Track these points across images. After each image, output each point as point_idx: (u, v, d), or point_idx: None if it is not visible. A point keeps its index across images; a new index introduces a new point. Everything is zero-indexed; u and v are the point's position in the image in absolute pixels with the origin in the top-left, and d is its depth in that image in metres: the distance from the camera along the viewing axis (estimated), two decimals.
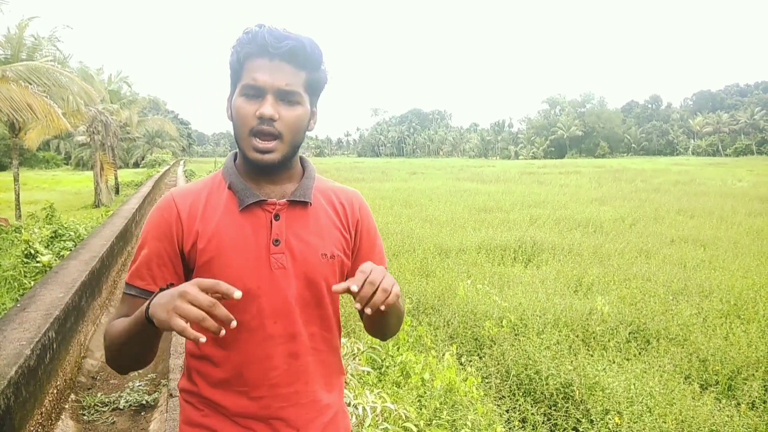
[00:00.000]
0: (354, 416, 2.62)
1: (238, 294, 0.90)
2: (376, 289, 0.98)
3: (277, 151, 1.11)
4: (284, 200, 1.16)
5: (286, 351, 1.15)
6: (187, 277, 1.16)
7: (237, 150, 1.22)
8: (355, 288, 0.97)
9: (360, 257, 1.27)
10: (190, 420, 1.19)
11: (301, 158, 1.25)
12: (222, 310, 0.89)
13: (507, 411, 3.77)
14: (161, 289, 0.99)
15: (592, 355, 4.52)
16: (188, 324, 0.89)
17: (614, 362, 4.38)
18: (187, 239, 1.13)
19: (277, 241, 1.14)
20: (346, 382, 3.12)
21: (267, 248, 1.13)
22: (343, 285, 0.99)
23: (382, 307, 0.98)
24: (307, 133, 1.19)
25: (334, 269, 1.20)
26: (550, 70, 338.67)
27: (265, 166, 1.12)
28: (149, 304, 0.97)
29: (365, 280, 0.98)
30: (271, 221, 1.14)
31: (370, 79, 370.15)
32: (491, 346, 4.75)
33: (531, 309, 5.46)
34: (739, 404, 3.83)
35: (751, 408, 3.79)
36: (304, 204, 1.18)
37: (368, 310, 0.98)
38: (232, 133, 1.17)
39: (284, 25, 1.11)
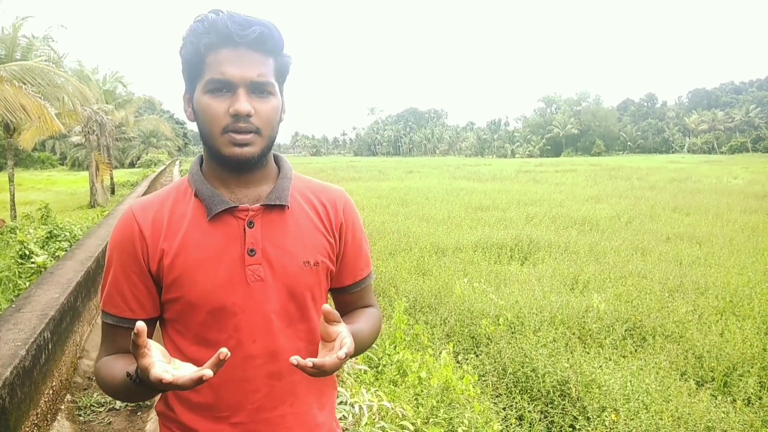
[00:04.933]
0: (351, 415, 2.62)
1: (224, 352, 0.82)
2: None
3: (256, 145, 1.01)
4: (258, 205, 1.05)
5: (267, 371, 1.06)
6: (159, 294, 1.07)
7: (202, 154, 1.12)
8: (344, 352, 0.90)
9: (345, 263, 1.18)
10: None
11: (275, 156, 1.14)
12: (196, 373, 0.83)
13: (504, 409, 3.78)
14: (128, 375, 0.92)
15: (588, 353, 4.53)
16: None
17: (610, 360, 4.39)
18: (153, 258, 1.03)
19: (252, 251, 1.03)
20: (342, 381, 3.12)
21: (241, 260, 1.03)
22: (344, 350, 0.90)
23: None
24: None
25: (318, 278, 1.11)
26: (545, 69, 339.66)
27: (244, 162, 1.01)
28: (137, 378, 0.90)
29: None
30: (244, 229, 1.04)
31: (367, 79, 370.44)
32: (488, 344, 4.75)
33: (527, 307, 5.46)
34: (734, 400, 3.85)
35: (747, 404, 3.80)
36: (281, 207, 1.07)
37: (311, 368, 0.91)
38: (199, 133, 1.06)
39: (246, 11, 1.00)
